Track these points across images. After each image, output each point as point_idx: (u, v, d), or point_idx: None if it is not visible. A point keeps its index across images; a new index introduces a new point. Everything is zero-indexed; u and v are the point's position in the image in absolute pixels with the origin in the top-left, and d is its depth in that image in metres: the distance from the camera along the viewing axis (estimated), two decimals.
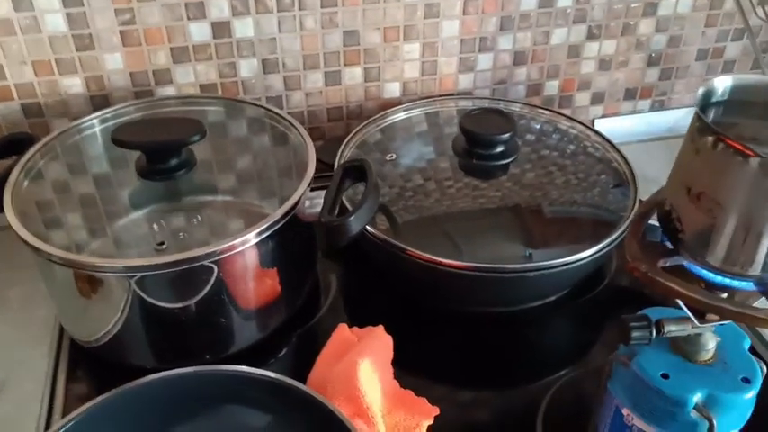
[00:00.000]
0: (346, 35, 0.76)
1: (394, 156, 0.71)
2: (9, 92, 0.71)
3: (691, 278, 0.41)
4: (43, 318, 0.66)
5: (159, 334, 0.59)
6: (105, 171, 0.64)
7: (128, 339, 0.59)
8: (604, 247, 0.61)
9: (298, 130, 0.66)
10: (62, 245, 0.55)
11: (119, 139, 0.58)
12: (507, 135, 0.68)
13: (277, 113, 0.68)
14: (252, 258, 0.57)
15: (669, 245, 0.42)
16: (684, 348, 0.47)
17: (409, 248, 0.61)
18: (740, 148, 0.36)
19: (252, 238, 0.55)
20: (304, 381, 0.56)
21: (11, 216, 0.56)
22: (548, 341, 0.66)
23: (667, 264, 0.41)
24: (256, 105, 0.70)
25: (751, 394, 0.45)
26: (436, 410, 0.56)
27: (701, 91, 0.39)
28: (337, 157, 0.70)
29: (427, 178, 0.69)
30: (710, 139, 0.38)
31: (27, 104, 0.72)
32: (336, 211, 0.58)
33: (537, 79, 0.85)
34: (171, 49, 0.72)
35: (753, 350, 0.48)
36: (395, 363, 0.59)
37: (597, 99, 0.89)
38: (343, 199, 0.62)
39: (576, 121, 0.78)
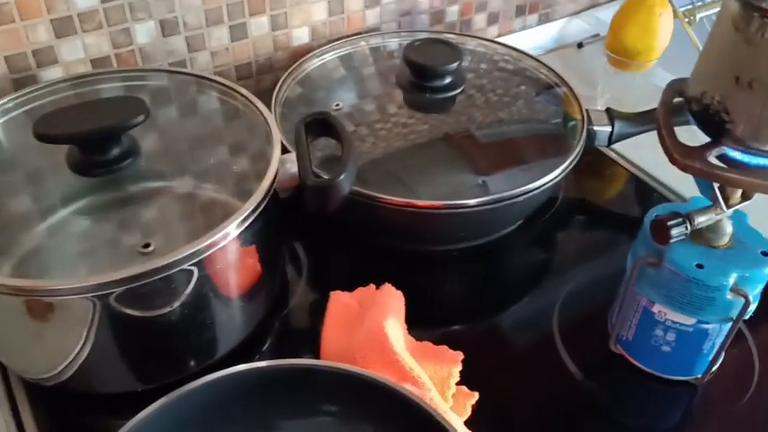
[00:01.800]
0: None
1: (340, 104, 0.66)
2: None
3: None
4: None
5: (137, 352, 0.51)
6: (25, 173, 0.53)
7: (99, 366, 0.50)
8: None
9: (238, 92, 0.59)
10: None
11: (44, 133, 0.48)
12: (455, 64, 0.65)
13: (204, 77, 0.60)
14: (237, 245, 0.50)
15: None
16: (707, 237, 0.49)
17: (382, 196, 0.58)
18: None
19: (238, 223, 0.48)
20: None
21: None
22: (526, 263, 0.66)
23: (714, 154, 0.41)
24: (175, 72, 0.62)
25: None
26: (460, 354, 0.54)
27: None
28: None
29: (374, 120, 0.66)
30: (756, 17, 0.38)
31: None
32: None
33: (439, 6, 0.83)
34: (52, 21, 0.61)
35: None
36: None
37: (493, 19, 0.89)
38: None
39: (481, 38, 0.78)
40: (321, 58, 0.74)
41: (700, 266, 0.47)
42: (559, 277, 0.63)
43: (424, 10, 0.82)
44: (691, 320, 0.50)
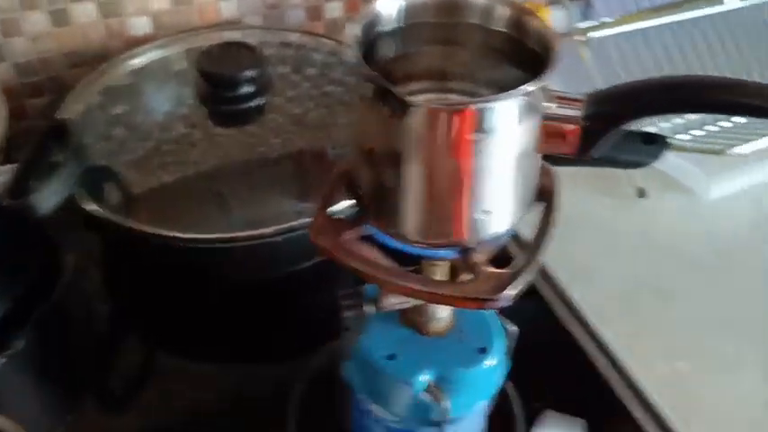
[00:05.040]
0: None
1: (123, 108, 0.60)
2: None
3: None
4: None
5: None
6: None
7: None
8: None
9: None
10: None
11: None
12: (253, 72, 0.58)
13: None
14: None
15: None
16: (414, 320, 0.40)
17: (135, 226, 0.52)
18: (391, 92, 0.28)
19: None
20: None
21: None
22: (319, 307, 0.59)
23: (355, 235, 0.33)
24: None
25: (490, 363, 0.39)
26: None
27: (359, 21, 0.31)
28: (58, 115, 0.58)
29: (169, 132, 0.59)
30: (361, 77, 0.30)
31: None
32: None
33: (314, 2, 0.75)
34: None
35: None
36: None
37: None
38: None
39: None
40: (164, 50, 0.67)
41: (392, 356, 0.39)
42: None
43: (297, 4, 0.74)
44: (393, 417, 0.41)
